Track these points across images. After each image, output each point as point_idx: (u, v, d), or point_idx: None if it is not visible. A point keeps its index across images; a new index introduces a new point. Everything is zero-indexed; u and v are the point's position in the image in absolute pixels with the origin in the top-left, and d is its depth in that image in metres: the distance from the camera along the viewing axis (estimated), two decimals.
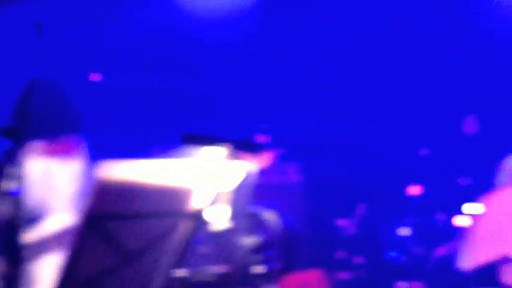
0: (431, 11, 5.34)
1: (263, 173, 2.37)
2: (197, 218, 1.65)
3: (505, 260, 2.37)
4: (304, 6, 5.38)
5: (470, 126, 5.22)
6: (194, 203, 1.66)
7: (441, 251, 4.41)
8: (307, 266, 3.71)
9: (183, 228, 1.65)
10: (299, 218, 4.22)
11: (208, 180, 1.68)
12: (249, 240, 1.91)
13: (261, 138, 3.98)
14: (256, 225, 1.98)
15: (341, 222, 4.88)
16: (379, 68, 5.44)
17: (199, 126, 5.21)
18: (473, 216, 2.49)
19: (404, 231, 4.71)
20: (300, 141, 5.11)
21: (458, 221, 4.27)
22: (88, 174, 2.05)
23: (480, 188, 2.81)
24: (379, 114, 5.45)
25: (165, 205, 1.63)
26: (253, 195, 2.05)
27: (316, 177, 4.76)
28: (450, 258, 3.00)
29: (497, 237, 2.42)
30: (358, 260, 4.78)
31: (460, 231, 2.51)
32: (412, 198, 4.85)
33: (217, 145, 1.94)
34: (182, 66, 5.37)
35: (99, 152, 2.02)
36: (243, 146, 2.00)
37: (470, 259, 2.44)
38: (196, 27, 5.33)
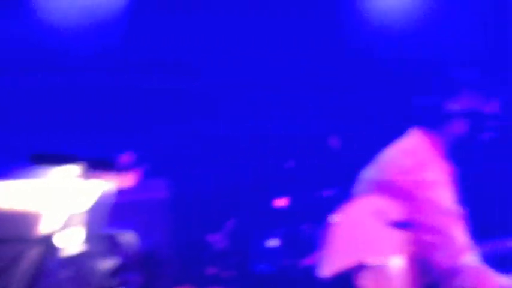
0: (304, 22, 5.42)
1: (126, 191, 2.30)
2: (47, 243, 1.57)
3: (360, 267, 2.45)
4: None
5: (335, 139, 5.38)
6: (43, 227, 1.57)
7: (308, 260, 4.50)
8: (177, 284, 3.65)
9: (32, 254, 1.56)
10: (164, 235, 4.16)
11: (59, 202, 1.60)
12: (105, 264, 1.84)
13: (124, 156, 3.88)
14: (112, 247, 1.91)
15: (211, 237, 4.86)
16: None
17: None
18: (332, 225, 2.56)
19: (272, 243, 4.76)
20: (169, 156, 5.06)
21: (323, 231, 4.37)
22: None
23: (343, 199, 2.88)
24: (248, 126, 5.50)
25: (11, 230, 1.54)
26: (113, 215, 1.97)
27: (185, 192, 4.72)
28: (316, 268, 3.04)
29: (353, 245, 2.49)
30: (228, 274, 4.78)
31: (323, 241, 2.56)
32: (280, 210, 4.92)
33: (70, 164, 1.86)
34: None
35: None
36: (98, 164, 1.93)
37: (328, 266, 2.50)
38: (56, 36, 5.15)
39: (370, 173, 2.74)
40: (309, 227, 4.73)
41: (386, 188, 2.61)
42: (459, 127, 2.63)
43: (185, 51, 5.23)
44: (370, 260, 2.44)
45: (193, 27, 5.28)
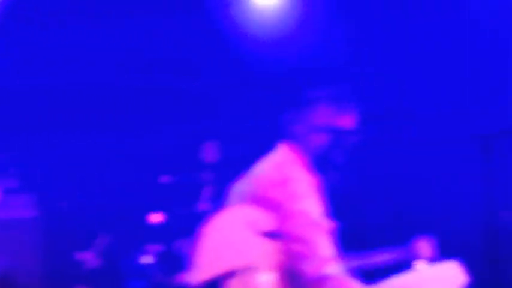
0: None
1: None
2: None
3: (229, 275, 2.47)
4: None
5: (210, 153, 5.37)
6: None
7: (182, 276, 4.47)
8: None
9: None
10: (31, 254, 4.00)
11: None
12: None
13: None
14: None
15: (81, 256, 4.73)
16: None
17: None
18: (203, 233, 2.57)
19: (147, 260, 4.70)
20: (39, 171, 4.90)
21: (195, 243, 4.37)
22: None
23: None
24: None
25: None
26: None
27: (54, 209, 4.57)
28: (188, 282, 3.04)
29: (222, 253, 2.51)
30: None
31: (194, 251, 2.57)
32: (154, 226, 4.87)
33: None
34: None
35: None
36: None
37: (198, 275, 2.50)
38: None
39: (241, 185, 2.79)
40: (183, 242, 4.70)
41: (256, 200, 2.66)
42: (322, 141, 2.72)
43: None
44: (238, 269, 2.46)
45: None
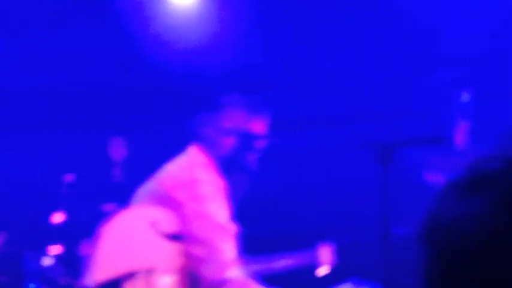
0: None
1: None
2: None
3: (128, 276, 2.43)
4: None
5: (118, 149, 5.27)
6: None
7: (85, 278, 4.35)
8: None
9: None
10: None
11: None
12: None
13: None
14: None
15: None
16: None
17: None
18: (102, 233, 2.51)
19: (47, 261, 4.55)
20: None
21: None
22: None
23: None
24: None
25: None
26: None
27: None
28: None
29: (122, 254, 2.47)
30: None
31: (93, 251, 2.50)
32: (56, 226, 4.73)
33: None
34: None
35: None
36: None
37: (96, 275, 2.45)
38: None
39: (148, 185, 2.76)
40: (87, 243, 4.59)
41: (160, 200, 2.63)
42: (230, 144, 2.72)
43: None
44: (138, 270, 2.42)
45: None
